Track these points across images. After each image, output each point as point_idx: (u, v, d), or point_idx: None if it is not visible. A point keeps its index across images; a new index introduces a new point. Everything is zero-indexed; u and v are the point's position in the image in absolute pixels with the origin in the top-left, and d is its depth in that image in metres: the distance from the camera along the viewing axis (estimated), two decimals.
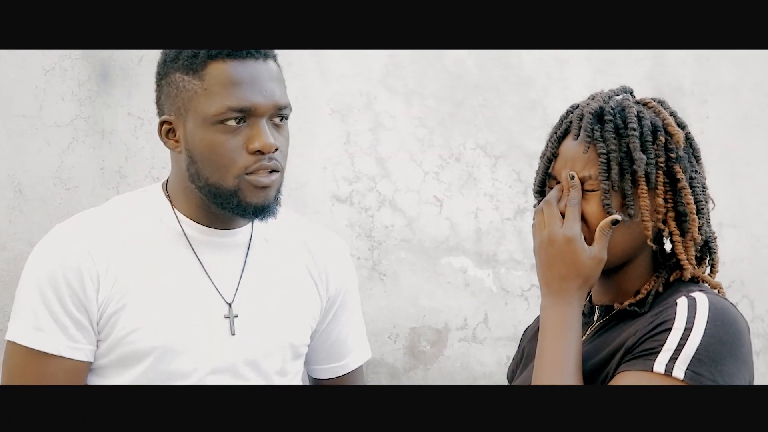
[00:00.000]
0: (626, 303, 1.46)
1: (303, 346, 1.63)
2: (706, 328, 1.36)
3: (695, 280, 1.48)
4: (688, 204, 1.44)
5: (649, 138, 1.44)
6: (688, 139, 1.48)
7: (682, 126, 1.48)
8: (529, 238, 3.09)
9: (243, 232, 1.59)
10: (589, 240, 1.45)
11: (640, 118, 1.45)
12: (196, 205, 1.56)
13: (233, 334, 1.54)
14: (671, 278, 1.47)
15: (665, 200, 1.45)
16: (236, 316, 1.55)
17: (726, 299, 1.44)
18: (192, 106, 1.51)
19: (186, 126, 1.52)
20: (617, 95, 1.51)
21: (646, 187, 1.44)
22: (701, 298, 1.40)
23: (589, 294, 1.54)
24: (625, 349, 1.41)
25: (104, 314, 1.50)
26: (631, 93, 1.53)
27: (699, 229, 1.45)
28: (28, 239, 2.32)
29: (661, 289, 1.47)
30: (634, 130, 1.44)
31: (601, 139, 1.44)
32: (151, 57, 2.42)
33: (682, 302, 1.40)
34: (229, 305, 1.55)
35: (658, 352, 1.36)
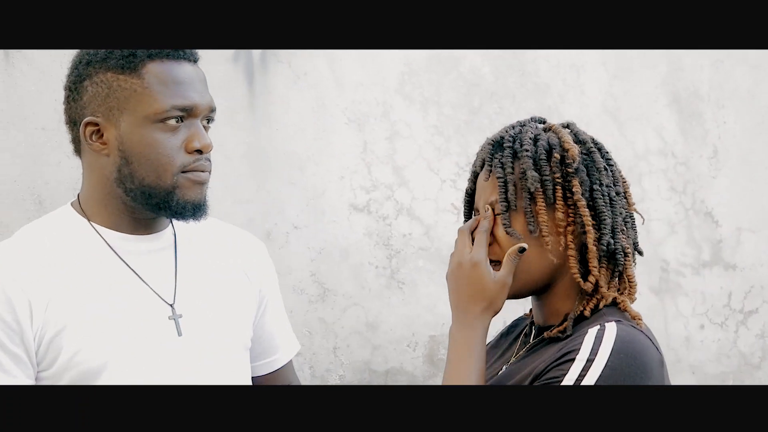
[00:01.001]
0: (554, 330, 1.50)
1: (248, 338, 1.63)
2: (608, 359, 1.37)
3: (618, 307, 1.50)
4: (584, 216, 1.48)
5: (544, 156, 1.50)
6: (589, 153, 1.52)
7: (582, 142, 1.53)
8: None
9: (166, 234, 1.58)
10: (498, 259, 1.50)
11: (535, 140, 1.52)
12: (117, 213, 1.53)
13: (180, 334, 1.53)
14: (600, 305, 1.49)
15: (566, 214, 1.49)
16: (180, 317, 1.53)
17: (640, 330, 1.45)
18: (129, 106, 1.48)
19: (119, 126, 1.49)
20: (523, 124, 1.58)
21: (544, 204, 1.48)
22: (610, 328, 1.41)
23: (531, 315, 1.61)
24: (534, 376, 1.44)
25: (43, 340, 1.45)
26: (542, 122, 1.60)
27: (598, 241, 1.48)
28: None
29: (588, 314, 1.49)
30: (527, 151, 1.50)
31: (499, 165, 1.51)
32: None
33: (591, 331, 1.42)
34: (171, 306, 1.53)
35: (560, 382, 1.38)
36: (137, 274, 1.53)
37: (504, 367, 1.56)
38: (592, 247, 1.48)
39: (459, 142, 2.84)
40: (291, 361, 1.77)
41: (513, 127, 1.57)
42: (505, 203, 1.49)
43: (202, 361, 1.54)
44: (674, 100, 3.13)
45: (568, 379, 1.37)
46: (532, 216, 1.49)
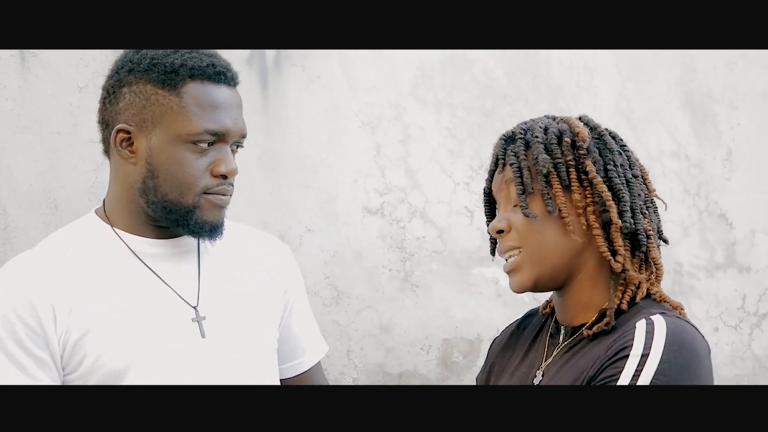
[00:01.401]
0: (595, 327, 1.48)
1: (273, 339, 1.63)
2: (663, 353, 1.37)
3: (654, 298, 1.49)
4: (602, 192, 1.48)
5: (554, 141, 1.51)
6: (600, 135, 1.53)
7: (593, 128, 1.55)
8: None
9: (188, 238, 1.59)
10: (525, 246, 1.50)
11: (546, 129, 1.53)
12: (139, 220, 1.54)
13: (204, 336, 1.54)
14: (637, 297, 1.49)
15: (583, 195, 1.49)
16: (204, 319, 1.54)
17: (686, 321, 1.44)
18: (163, 121, 1.49)
19: (150, 139, 1.50)
20: (534, 120, 1.59)
21: (560, 186, 1.49)
22: (659, 322, 1.41)
23: (553, 314, 1.58)
24: (587, 379, 1.42)
25: (67, 344, 1.47)
26: (552, 118, 1.60)
27: (621, 216, 1.48)
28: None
29: (625, 306, 1.48)
30: (537, 138, 1.52)
31: (512, 154, 1.53)
32: None
33: (640, 326, 1.41)
34: (195, 308, 1.54)
35: (617, 379, 1.37)
36: (160, 278, 1.54)
37: (538, 373, 1.53)
38: (617, 222, 1.47)
39: (472, 144, 2.84)
40: (319, 363, 1.77)
41: (525, 123, 1.58)
42: (521, 186, 1.50)
43: (226, 363, 1.55)
44: (687, 102, 3.13)
45: (625, 376, 1.37)
46: (550, 198, 1.49)
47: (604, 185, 1.49)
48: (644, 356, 1.37)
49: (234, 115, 1.53)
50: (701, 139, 3.15)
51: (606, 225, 1.50)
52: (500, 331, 1.72)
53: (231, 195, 1.55)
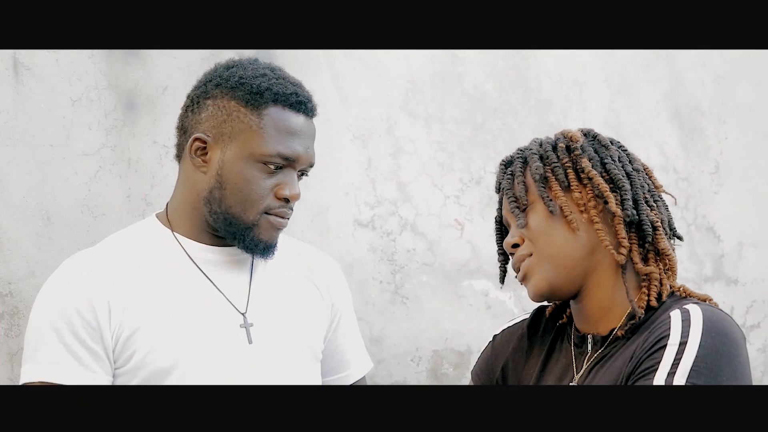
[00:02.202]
0: (629, 324, 1.47)
1: (318, 350, 1.67)
2: (701, 340, 1.37)
3: (678, 296, 1.49)
4: (600, 184, 1.50)
5: (550, 149, 1.55)
6: (595, 136, 1.56)
7: (586, 133, 1.57)
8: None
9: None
10: (537, 250, 1.51)
11: (540, 143, 1.58)
12: (200, 226, 1.61)
13: (251, 342, 1.59)
14: (663, 295, 1.49)
15: (584, 193, 1.51)
16: (251, 325, 1.59)
17: (720, 309, 1.44)
18: (241, 138, 1.57)
19: (225, 152, 1.57)
20: (530, 142, 1.62)
21: (559, 188, 1.51)
22: (695, 310, 1.41)
23: (572, 324, 1.56)
24: (625, 377, 1.42)
25: (119, 340, 1.54)
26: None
27: (622, 205, 1.49)
28: (56, 267, 2.34)
29: (654, 302, 1.48)
30: (533, 151, 1.56)
31: (509, 177, 1.56)
32: (176, 86, 2.46)
33: (675, 315, 1.41)
34: (243, 315, 1.59)
35: (656, 370, 1.37)
36: (213, 283, 1.60)
37: (571, 384, 1.52)
38: (617, 211, 1.48)
39: (462, 158, 2.86)
40: (365, 377, 1.80)
41: (521, 148, 1.62)
42: (514, 201, 1.53)
43: (270, 369, 1.60)
44: (676, 116, 3.15)
45: (664, 365, 1.36)
46: (550, 199, 1.51)
47: (601, 178, 1.51)
48: (682, 344, 1.36)
49: (307, 144, 1.62)
50: (689, 153, 3.17)
51: (611, 220, 1.50)
52: (502, 330, 1.69)
53: (289, 219, 1.62)
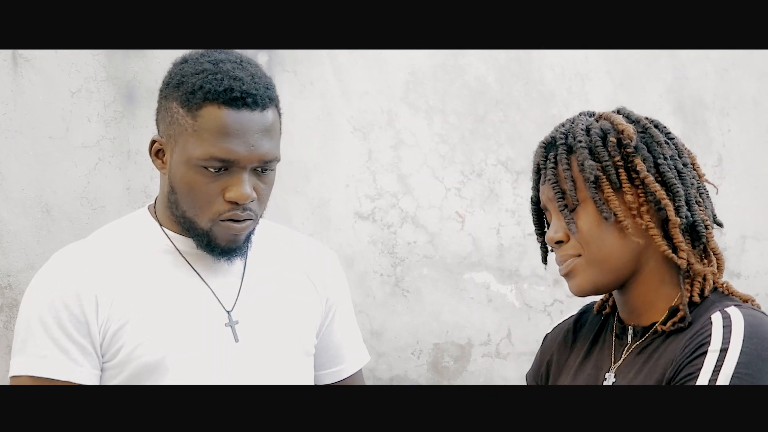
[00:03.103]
0: (669, 324, 1.45)
1: (310, 345, 1.65)
2: (743, 346, 1.35)
3: (721, 291, 1.47)
4: (656, 191, 1.44)
5: (599, 143, 1.45)
6: (645, 129, 1.47)
7: (636, 121, 1.48)
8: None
9: None
10: (585, 252, 1.46)
11: (587, 131, 1.47)
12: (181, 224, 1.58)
13: (237, 340, 1.56)
14: (705, 290, 1.46)
15: (637, 195, 1.45)
16: (237, 323, 1.57)
17: (762, 312, 1.42)
18: (180, 141, 1.51)
19: (172, 155, 1.53)
20: (573, 121, 1.52)
21: (611, 190, 1.45)
22: (735, 315, 1.39)
23: (616, 313, 1.56)
24: (666, 381, 1.40)
25: (107, 334, 1.52)
26: (591, 114, 1.54)
27: (677, 211, 1.45)
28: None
29: (696, 298, 1.45)
30: (581, 142, 1.46)
31: (552, 165, 1.48)
32: None
33: (716, 320, 1.39)
34: (228, 313, 1.57)
35: (697, 377, 1.35)
36: (202, 278, 1.57)
37: (608, 375, 1.50)
38: (675, 219, 1.43)
39: (463, 150, 2.85)
40: (360, 371, 1.78)
41: (563, 125, 1.52)
42: (562, 201, 1.46)
43: (258, 368, 1.57)
44: (679, 108, 3.14)
45: (705, 372, 1.34)
46: (603, 203, 1.45)
47: (657, 183, 1.44)
48: (723, 351, 1.35)
49: (250, 141, 1.49)
50: (692, 146, 3.15)
51: (663, 222, 1.46)
52: (553, 328, 1.67)
53: (251, 220, 1.53)
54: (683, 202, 1.45)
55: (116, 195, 2.45)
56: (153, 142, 1.56)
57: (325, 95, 2.71)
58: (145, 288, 1.54)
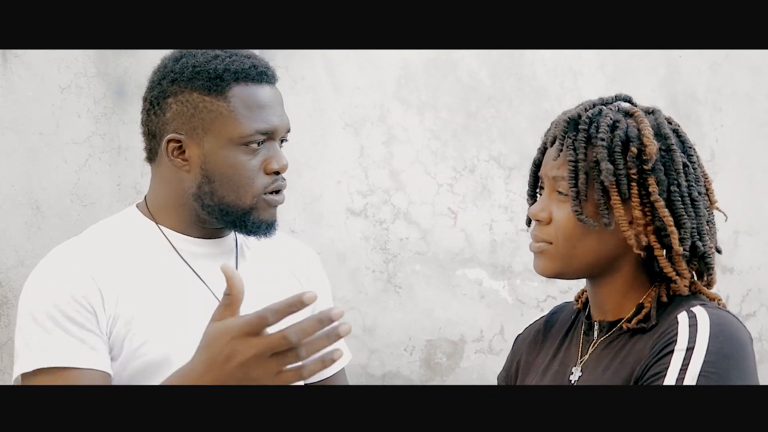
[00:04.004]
0: (634, 321, 1.46)
1: None
2: (708, 344, 1.36)
3: (694, 292, 1.47)
4: (665, 217, 1.42)
5: (619, 148, 1.42)
6: (669, 151, 1.44)
7: (664, 137, 1.45)
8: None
9: (229, 240, 1.64)
10: (557, 244, 1.46)
11: (613, 128, 1.44)
12: (187, 221, 1.59)
13: None
14: (671, 291, 1.47)
15: (643, 213, 1.44)
16: None
17: (726, 311, 1.43)
18: (214, 127, 1.54)
19: (203, 146, 1.54)
20: (607, 103, 1.50)
21: (618, 198, 1.43)
22: (701, 314, 1.39)
23: (587, 310, 1.56)
24: (634, 380, 1.40)
25: (113, 331, 1.52)
26: (629, 101, 1.52)
27: (681, 242, 1.43)
28: (45, 255, 2.34)
29: (665, 298, 1.46)
30: (602, 139, 1.42)
31: (571, 147, 1.44)
32: None
33: (682, 320, 1.40)
34: None
35: (664, 376, 1.36)
36: (199, 276, 1.59)
37: (575, 370, 1.51)
38: (678, 249, 1.43)
39: (456, 146, 2.85)
40: (343, 370, 1.78)
41: (593, 105, 1.48)
42: (575, 189, 1.43)
43: None
44: (671, 103, 3.14)
45: (672, 370, 1.36)
46: (607, 209, 1.43)
47: (666, 210, 1.43)
48: (689, 349, 1.36)
49: (279, 112, 1.58)
50: None
51: (666, 246, 1.45)
52: (524, 329, 1.67)
53: (284, 191, 1.60)
54: (687, 236, 1.44)
55: (106, 191, 2.44)
56: (169, 141, 1.56)
57: (316, 91, 2.70)
58: (146, 286, 1.54)
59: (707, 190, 1.49)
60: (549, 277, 1.50)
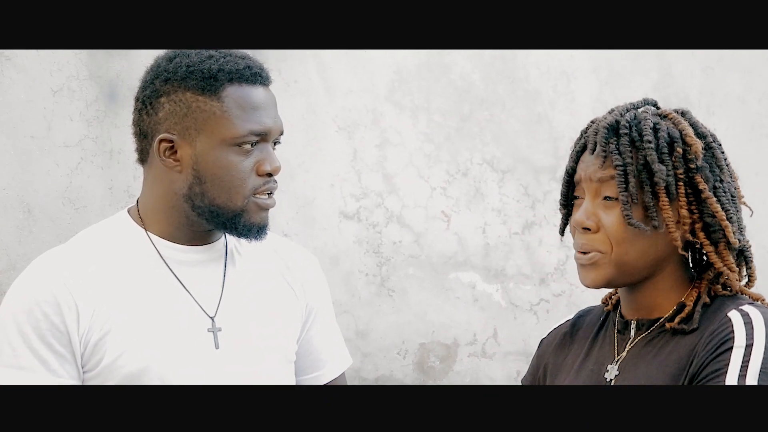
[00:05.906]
0: (677, 320, 1.46)
1: (291, 352, 1.64)
2: (766, 341, 1.38)
3: (734, 294, 1.48)
4: (717, 212, 1.44)
5: (666, 150, 1.44)
6: (710, 148, 1.47)
7: (702, 136, 1.47)
8: (537, 252, 3.09)
9: (218, 245, 1.61)
10: (609, 251, 1.45)
11: (656, 130, 1.45)
12: (176, 225, 1.57)
13: (217, 347, 1.55)
14: (712, 291, 1.48)
15: (690, 211, 1.45)
16: (219, 330, 1.56)
17: None
18: (207, 127, 1.52)
19: (195, 146, 1.53)
20: (637, 108, 1.51)
21: (667, 199, 1.44)
22: (754, 313, 1.42)
23: (618, 308, 1.55)
24: (689, 377, 1.41)
25: (88, 344, 1.50)
26: (654, 105, 1.53)
27: (733, 235, 1.46)
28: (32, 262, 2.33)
29: (706, 299, 1.47)
30: (650, 142, 1.44)
31: (616, 152, 1.45)
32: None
33: (736, 318, 1.41)
34: (212, 319, 1.56)
35: (726, 372, 1.37)
36: (183, 285, 1.56)
37: (611, 368, 1.50)
38: (734, 241, 1.45)
39: (449, 149, 2.85)
40: (343, 375, 1.77)
41: (627, 111, 1.49)
42: (626, 193, 1.43)
43: (238, 375, 1.56)
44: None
45: (733, 367, 1.37)
46: (655, 211, 1.44)
47: (718, 205, 1.45)
48: (749, 346, 1.37)
49: (272, 113, 1.57)
50: None
51: (714, 243, 1.47)
52: (548, 333, 1.66)
53: (274, 193, 1.59)
54: (736, 228, 1.47)
55: (98, 195, 2.43)
56: (161, 141, 1.54)
57: (309, 94, 2.70)
58: (127, 296, 1.53)
59: (736, 187, 1.52)
60: (599, 287, 1.49)
